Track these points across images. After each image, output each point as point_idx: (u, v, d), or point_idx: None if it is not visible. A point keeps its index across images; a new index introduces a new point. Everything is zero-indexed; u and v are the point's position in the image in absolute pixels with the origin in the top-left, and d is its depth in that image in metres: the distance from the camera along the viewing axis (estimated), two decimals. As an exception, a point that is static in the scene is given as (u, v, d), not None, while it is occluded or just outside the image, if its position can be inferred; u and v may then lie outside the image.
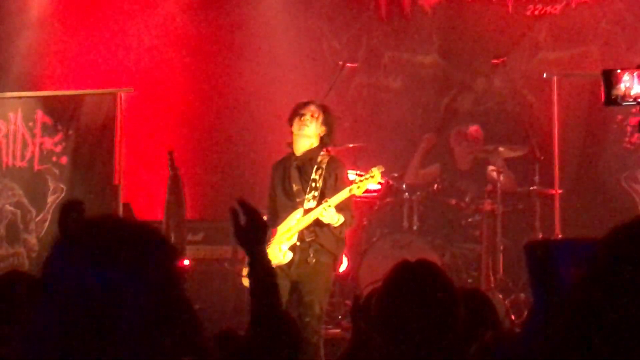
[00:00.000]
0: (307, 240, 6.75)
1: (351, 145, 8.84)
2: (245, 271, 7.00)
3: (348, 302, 8.56)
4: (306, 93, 9.34)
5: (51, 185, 9.18)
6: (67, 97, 9.43)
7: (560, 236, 8.28)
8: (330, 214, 6.60)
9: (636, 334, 1.40)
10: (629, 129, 8.79)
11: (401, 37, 10.24)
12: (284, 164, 7.03)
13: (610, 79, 4.78)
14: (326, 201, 6.61)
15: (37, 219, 9.12)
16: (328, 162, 6.85)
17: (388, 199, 9.00)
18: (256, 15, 10.36)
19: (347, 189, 6.72)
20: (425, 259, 3.28)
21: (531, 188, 8.64)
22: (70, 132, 9.18)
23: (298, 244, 6.77)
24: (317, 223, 6.73)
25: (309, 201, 6.76)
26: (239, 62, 10.35)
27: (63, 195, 9.11)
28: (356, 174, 7.68)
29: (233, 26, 10.41)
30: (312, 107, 6.89)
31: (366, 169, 7.12)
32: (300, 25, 10.34)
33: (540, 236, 8.37)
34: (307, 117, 6.83)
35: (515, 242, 8.42)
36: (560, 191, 8.53)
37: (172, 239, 8.00)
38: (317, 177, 6.80)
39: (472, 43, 10.03)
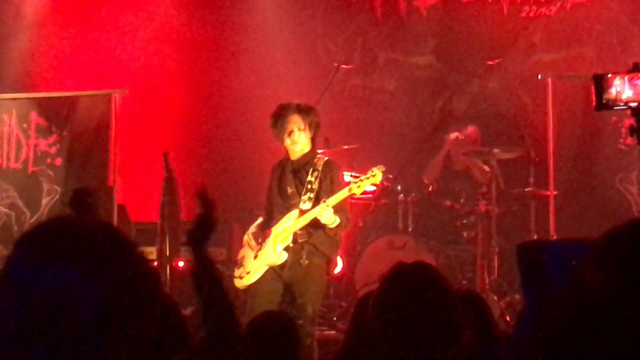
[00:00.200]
0: (300, 241, 6.74)
1: (346, 147, 8.84)
2: (237, 272, 7.03)
3: (343, 303, 8.56)
4: (301, 94, 9.34)
5: (45, 186, 9.16)
6: (62, 98, 9.41)
7: (555, 237, 8.28)
8: (328, 214, 6.59)
9: (630, 337, 1.39)
10: (623, 130, 8.79)
11: (396, 39, 10.24)
12: (282, 166, 7.03)
13: (601, 83, 4.78)
14: (324, 201, 6.59)
15: (31, 221, 9.10)
16: (324, 165, 6.84)
17: (383, 201, 9.00)
18: (251, 17, 10.36)
19: (347, 188, 6.70)
20: (421, 261, 3.28)
21: (526, 189, 8.65)
22: (65, 133, 9.17)
23: (291, 245, 6.76)
24: (312, 224, 6.72)
25: (304, 202, 6.75)
26: (234, 63, 10.35)
27: (57, 197, 9.09)
28: (351, 176, 7.68)
29: (228, 27, 10.41)
30: (296, 118, 6.82)
31: (361, 171, 7.12)
32: (295, 26, 10.34)
33: (535, 237, 8.37)
34: (295, 132, 6.79)
35: (510, 244, 8.41)
36: (555, 192, 8.53)
37: (167, 240, 8.00)
38: (312, 179, 6.79)
39: (467, 45, 10.04)
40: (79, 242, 1.81)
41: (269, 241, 6.82)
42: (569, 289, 1.47)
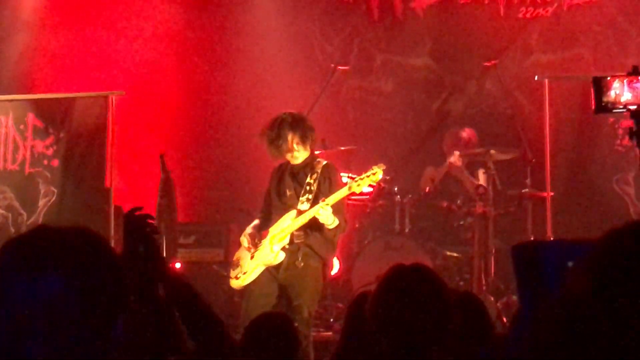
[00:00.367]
0: (297, 242, 6.74)
1: (343, 148, 8.84)
2: (233, 273, 7.03)
3: (340, 304, 8.56)
4: (298, 95, 9.37)
5: (42, 188, 9.16)
6: (59, 100, 9.40)
7: (551, 238, 8.29)
8: (327, 213, 6.59)
9: (628, 340, 1.39)
10: (620, 131, 8.80)
11: (393, 40, 10.24)
12: (281, 170, 7.05)
13: (600, 86, 4.77)
14: (323, 200, 6.60)
15: (28, 222, 9.09)
16: (323, 168, 6.86)
17: (380, 202, 9.00)
18: (248, 19, 10.35)
19: (347, 186, 6.71)
20: (419, 263, 3.29)
21: (523, 190, 8.65)
22: (62, 135, 9.16)
23: (287, 246, 6.76)
24: (310, 226, 6.72)
25: (302, 203, 6.76)
26: (231, 65, 10.35)
27: (54, 198, 9.09)
28: (349, 177, 7.68)
29: (225, 29, 10.40)
30: (291, 136, 6.82)
31: (358, 172, 7.12)
32: (292, 28, 10.34)
33: (532, 238, 8.37)
34: (295, 148, 6.81)
35: (507, 245, 8.41)
36: (552, 194, 8.53)
37: (164, 242, 7.99)
38: (311, 181, 6.80)
39: (464, 46, 10.04)
40: (60, 249, 1.83)
41: (266, 241, 6.83)
42: (561, 293, 1.47)
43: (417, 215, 8.96)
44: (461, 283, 8.62)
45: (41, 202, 9.14)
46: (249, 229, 7.05)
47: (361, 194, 7.29)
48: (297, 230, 6.74)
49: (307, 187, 6.79)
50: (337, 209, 6.66)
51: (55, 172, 9.16)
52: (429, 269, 3.26)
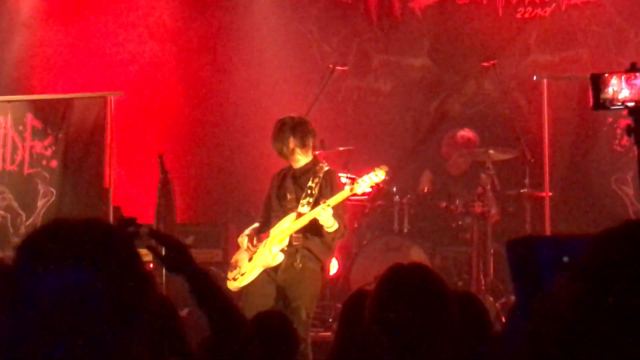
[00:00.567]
0: (295, 244, 6.74)
1: (341, 149, 8.84)
2: (231, 274, 7.03)
3: (339, 305, 8.56)
4: (297, 96, 9.36)
5: (41, 189, 9.16)
6: (57, 100, 9.40)
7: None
8: (328, 214, 6.59)
9: (623, 339, 1.39)
10: (619, 131, 8.80)
11: (391, 40, 10.24)
12: (282, 175, 7.07)
13: (598, 82, 4.77)
14: (324, 201, 6.60)
15: (27, 223, 9.09)
16: (325, 173, 6.88)
17: (379, 202, 9.00)
18: (246, 19, 10.35)
19: (348, 187, 6.72)
20: (417, 262, 3.28)
21: (521, 190, 8.65)
22: (60, 135, 9.16)
23: (286, 248, 6.76)
24: (309, 229, 6.72)
25: (302, 206, 6.76)
26: (230, 65, 10.35)
27: (53, 199, 9.09)
28: (347, 177, 7.68)
29: (224, 30, 10.40)
30: (291, 141, 6.86)
31: (357, 172, 7.12)
32: (290, 28, 10.34)
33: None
34: (296, 151, 6.85)
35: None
36: (550, 194, 8.53)
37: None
38: (313, 185, 6.81)
39: (462, 46, 10.04)
40: (81, 242, 1.84)
41: (265, 243, 6.83)
42: (556, 291, 1.47)
43: (416, 216, 8.96)
44: (460, 283, 8.63)
45: (40, 203, 9.14)
46: (247, 231, 7.06)
47: (360, 194, 7.29)
48: (295, 232, 6.74)
49: (309, 191, 6.80)
50: (337, 213, 6.67)
51: (54, 173, 9.16)
52: (428, 269, 3.26)
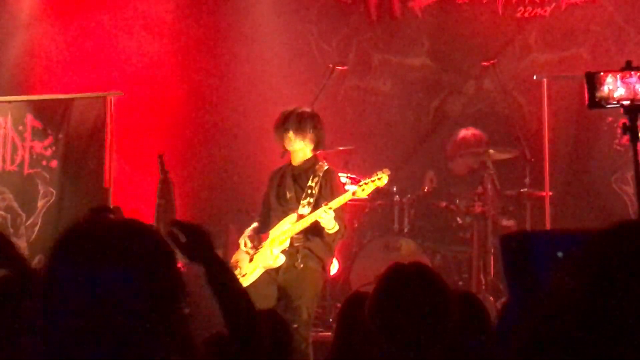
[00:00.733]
0: (296, 244, 6.74)
1: (341, 148, 8.84)
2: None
3: (339, 304, 8.56)
4: (296, 96, 9.34)
5: (41, 189, 9.15)
6: (57, 101, 9.40)
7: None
8: (329, 217, 6.58)
9: (620, 337, 1.39)
10: (619, 130, 8.77)
11: (391, 40, 10.24)
12: (281, 173, 7.05)
13: (593, 81, 4.77)
14: (326, 204, 6.59)
15: (27, 223, 9.09)
16: (325, 172, 6.86)
17: (379, 202, 8.99)
18: (247, 19, 10.35)
19: (350, 191, 6.72)
20: (417, 262, 3.28)
21: (522, 190, 8.65)
22: (60, 135, 9.15)
23: (287, 248, 6.76)
24: (310, 230, 6.72)
25: (303, 207, 6.75)
26: (230, 65, 10.34)
27: (53, 199, 9.08)
28: (347, 177, 7.68)
29: (223, 29, 10.40)
30: (290, 126, 6.83)
31: (357, 172, 7.12)
32: (290, 28, 10.33)
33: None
34: (291, 134, 6.82)
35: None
36: (550, 193, 8.53)
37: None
38: (313, 184, 6.79)
39: (462, 45, 10.03)
40: (119, 242, 1.84)
41: (266, 244, 6.82)
42: (552, 288, 1.46)
43: (416, 215, 8.96)
44: (460, 283, 8.62)
45: (40, 203, 9.13)
46: (247, 232, 7.04)
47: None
48: (297, 233, 6.74)
49: (309, 191, 6.78)
50: (337, 214, 6.66)
51: (54, 173, 9.15)
52: (428, 268, 3.26)
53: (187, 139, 10.25)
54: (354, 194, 6.69)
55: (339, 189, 6.85)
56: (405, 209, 8.89)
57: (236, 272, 6.91)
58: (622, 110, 4.75)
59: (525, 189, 8.61)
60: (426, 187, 9.04)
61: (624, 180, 8.95)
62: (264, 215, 7.07)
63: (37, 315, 1.83)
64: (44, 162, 9.19)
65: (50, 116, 9.25)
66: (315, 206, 6.69)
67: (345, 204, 6.98)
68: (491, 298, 8.08)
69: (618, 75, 4.74)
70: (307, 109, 7.06)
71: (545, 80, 8.74)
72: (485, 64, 9.39)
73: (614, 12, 9.64)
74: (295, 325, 6.51)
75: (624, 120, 4.76)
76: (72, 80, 10.09)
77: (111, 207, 8.58)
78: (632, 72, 4.73)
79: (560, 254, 1.60)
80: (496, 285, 8.41)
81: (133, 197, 9.60)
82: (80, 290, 1.79)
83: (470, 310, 3.62)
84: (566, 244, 1.49)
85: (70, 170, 9.14)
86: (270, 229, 6.88)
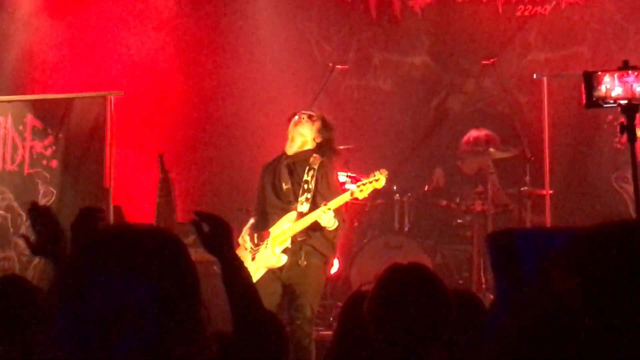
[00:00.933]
0: (299, 240, 6.74)
1: (341, 147, 8.81)
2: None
3: (339, 303, 8.56)
4: (297, 95, 9.35)
5: (41, 189, 9.15)
6: (57, 100, 9.39)
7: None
8: (329, 217, 6.59)
9: (614, 338, 1.39)
10: (619, 129, 8.78)
11: (391, 39, 10.24)
12: (274, 165, 7.04)
13: (590, 80, 4.77)
14: (325, 204, 6.60)
15: (27, 223, 9.08)
16: (320, 165, 6.85)
17: (379, 201, 8.99)
18: (247, 18, 10.35)
19: (349, 192, 6.73)
20: (416, 262, 3.29)
21: (522, 189, 8.64)
22: (61, 135, 9.15)
23: (289, 246, 6.76)
24: (311, 227, 6.72)
25: (302, 204, 6.75)
26: (230, 64, 10.35)
27: (53, 199, 9.08)
28: (347, 176, 7.67)
29: (224, 29, 10.40)
30: (303, 127, 6.89)
31: (357, 171, 7.12)
32: (290, 27, 10.34)
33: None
34: (305, 117, 6.86)
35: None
36: (550, 191, 8.52)
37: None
38: (309, 179, 6.79)
39: (462, 44, 10.04)
40: (143, 250, 1.86)
41: (267, 243, 6.82)
42: (543, 288, 1.46)
43: (416, 214, 8.96)
44: (460, 281, 8.63)
45: (40, 203, 9.12)
46: (246, 229, 7.05)
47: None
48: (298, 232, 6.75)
49: (305, 186, 6.78)
50: (336, 210, 6.67)
51: (54, 173, 9.15)
52: (426, 268, 3.26)
53: (187, 139, 10.25)
54: (352, 194, 6.69)
55: (335, 183, 6.87)
56: (406, 208, 8.89)
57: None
58: (619, 109, 4.74)
59: (526, 188, 8.61)
60: (433, 185, 9.03)
61: (624, 179, 8.94)
62: (259, 209, 7.06)
63: (55, 314, 1.84)
64: (44, 162, 9.19)
65: (50, 116, 9.25)
66: (313, 202, 6.70)
67: (346, 203, 7.00)
68: (491, 296, 8.08)
69: (615, 75, 4.75)
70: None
71: (545, 78, 8.73)
72: (486, 62, 9.38)
73: (614, 11, 9.64)
74: (299, 322, 6.52)
75: (622, 119, 4.76)
76: (72, 79, 10.09)
77: (107, 207, 8.59)
78: (630, 72, 4.73)
79: (549, 253, 1.60)
80: (496, 284, 8.40)
81: (133, 196, 9.60)
82: (101, 294, 1.80)
83: (470, 308, 3.62)
84: (554, 242, 1.49)
85: (70, 169, 9.13)
86: (269, 227, 6.88)
